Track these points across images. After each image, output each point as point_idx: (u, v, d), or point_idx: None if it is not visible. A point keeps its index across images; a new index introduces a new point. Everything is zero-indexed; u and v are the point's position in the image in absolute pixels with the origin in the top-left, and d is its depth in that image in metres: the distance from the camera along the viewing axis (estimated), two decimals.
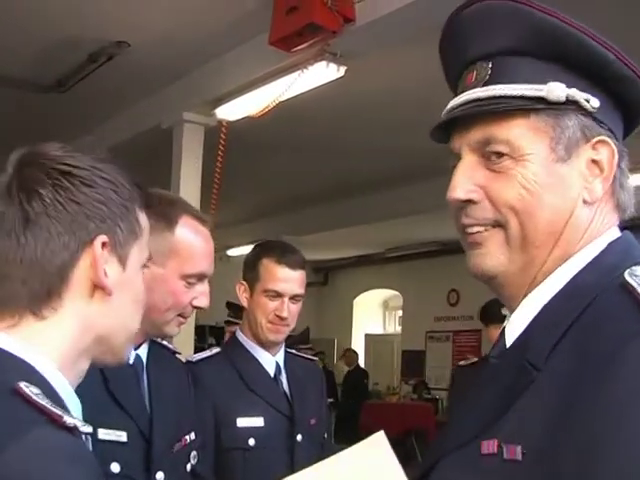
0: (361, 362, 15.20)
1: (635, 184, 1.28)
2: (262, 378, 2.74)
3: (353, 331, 16.50)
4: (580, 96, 1.17)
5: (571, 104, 1.18)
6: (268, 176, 9.96)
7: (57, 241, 1.14)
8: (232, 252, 12.49)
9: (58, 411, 1.01)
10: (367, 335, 16.51)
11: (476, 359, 4.27)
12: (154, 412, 1.98)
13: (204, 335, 12.62)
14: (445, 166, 1.33)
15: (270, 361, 2.78)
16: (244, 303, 2.78)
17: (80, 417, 1.13)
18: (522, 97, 1.18)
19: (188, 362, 2.67)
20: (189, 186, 6.69)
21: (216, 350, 2.82)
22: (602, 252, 1.18)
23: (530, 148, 1.18)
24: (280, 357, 2.81)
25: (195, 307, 2.05)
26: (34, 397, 1.01)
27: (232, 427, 2.57)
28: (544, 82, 1.18)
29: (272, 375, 2.77)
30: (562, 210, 1.18)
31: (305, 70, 5.39)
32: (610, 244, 1.19)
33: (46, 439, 0.98)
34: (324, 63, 5.32)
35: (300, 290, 2.78)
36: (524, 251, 1.19)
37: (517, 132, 1.19)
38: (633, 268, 1.10)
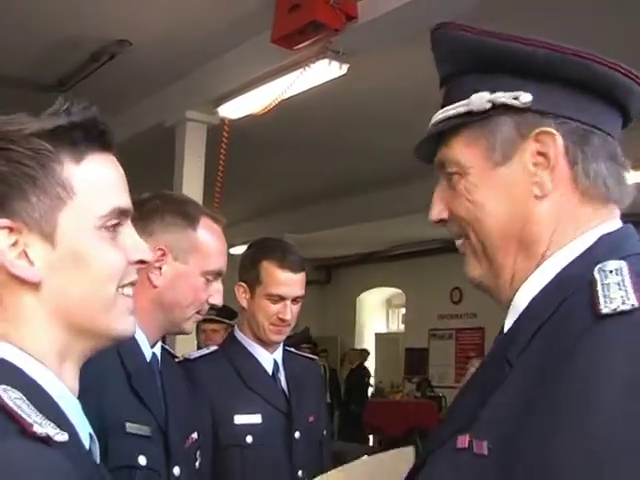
0: (372, 361, 15.24)
1: (636, 181, 1.26)
2: (260, 376, 2.74)
3: (356, 329, 16.50)
4: (506, 97, 1.19)
5: (500, 107, 1.20)
6: (270, 174, 9.95)
7: None
8: (234, 250, 12.49)
9: (29, 419, 0.89)
10: (377, 334, 16.53)
11: None
12: (169, 408, 2.04)
13: None
14: None
15: (268, 359, 2.78)
16: (243, 304, 2.78)
17: (82, 417, 1.04)
18: (451, 117, 1.24)
19: (186, 360, 2.68)
20: (192, 184, 6.68)
21: (214, 348, 2.82)
22: (592, 245, 1.16)
23: (469, 162, 1.23)
24: (278, 355, 2.82)
25: (210, 304, 2.10)
26: (9, 402, 0.90)
27: (230, 424, 2.57)
28: (468, 95, 1.22)
29: (270, 373, 2.77)
30: (513, 212, 1.20)
31: (307, 68, 5.39)
32: (601, 237, 1.17)
33: (12, 453, 0.87)
34: (326, 61, 5.32)
35: (302, 292, 2.79)
36: (489, 257, 1.24)
37: (457, 150, 1.24)
38: (605, 262, 1.09)
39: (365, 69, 5.86)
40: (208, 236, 2.06)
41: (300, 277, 2.78)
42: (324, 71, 5.46)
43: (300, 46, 5.13)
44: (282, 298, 2.72)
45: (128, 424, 1.87)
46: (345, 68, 5.42)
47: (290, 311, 2.73)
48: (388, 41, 5.29)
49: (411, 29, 5.03)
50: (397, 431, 10.67)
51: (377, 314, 16.88)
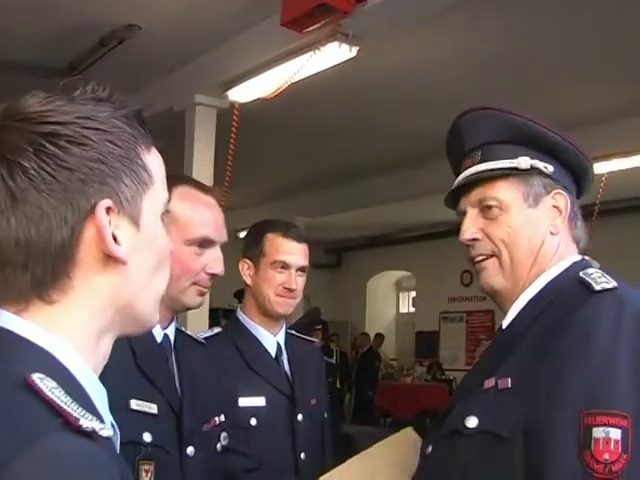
0: (391, 344, 15.24)
1: (597, 172, 1.94)
2: (263, 358, 2.74)
3: (367, 313, 16.52)
4: (540, 164, 1.77)
5: (534, 170, 1.77)
6: (280, 158, 9.96)
7: (52, 216, 0.97)
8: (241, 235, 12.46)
9: (74, 413, 0.86)
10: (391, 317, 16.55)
11: None
12: (184, 390, 2.06)
13: (217, 318, 12.65)
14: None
15: (271, 341, 2.78)
16: (248, 281, 2.78)
17: (106, 407, 1.03)
18: (502, 168, 1.77)
19: None
20: (202, 169, 6.69)
21: (217, 330, 2.82)
22: (568, 267, 1.74)
23: (510, 200, 1.76)
24: (281, 337, 2.82)
25: (210, 274, 2.07)
26: (48, 393, 0.87)
27: (234, 407, 2.56)
28: (515, 157, 1.77)
29: (273, 355, 2.77)
30: (536, 240, 1.76)
31: (317, 51, 5.39)
32: (573, 264, 1.75)
33: (60, 449, 0.84)
34: (336, 44, 5.33)
35: (305, 262, 2.79)
36: (513, 270, 1.76)
37: (501, 190, 1.77)
38: (585, 270, 1.68)
39: (375, 52, 5.85)
40: (184, 205, 2.02)
41: (303, 247, 2.79)
42: (334, 54, 5.47)
43: (309, 29, 5.12)
44: (286, 266, 2.73)
45: (133, 401, 1.89)
46: (355, 51, 5.41)
47: (295, 281, 2.74)
48: (397, 23, 5.30)
49: (419, 11, 5.03)
50: (408, 414, 10.70)
51: (388, 297, 16.90)
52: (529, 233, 1.75)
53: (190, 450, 2.00)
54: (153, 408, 1.94)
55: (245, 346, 2.73)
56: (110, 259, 1.01)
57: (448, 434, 1.67)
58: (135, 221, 1.04)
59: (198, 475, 2.02)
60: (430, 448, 1.74)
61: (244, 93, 6.45)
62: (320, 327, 8.90)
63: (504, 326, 1.76)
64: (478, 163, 1.80)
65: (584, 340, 1.49)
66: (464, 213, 1.82)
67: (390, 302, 17.02)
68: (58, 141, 0.98)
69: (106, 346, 1.06)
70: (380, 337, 14.81)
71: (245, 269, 2.79)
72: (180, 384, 2.07)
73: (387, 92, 7.30)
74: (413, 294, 16.29)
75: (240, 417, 2.56)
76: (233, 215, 5.03)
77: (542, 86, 7.01)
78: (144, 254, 1.06)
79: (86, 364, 1.00)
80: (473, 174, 1.80)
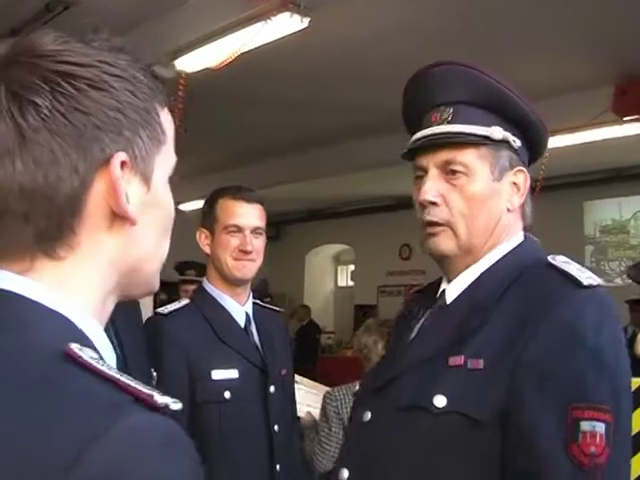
0: (330, 317, 15.37)
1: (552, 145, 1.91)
2: (233, 329, 2.73)
3: (305, 286, 16.54)
4: (510, 137, 1.72)
5: (504, 142, 1.72)
6: (226, 129, 9.87)
7: (63, 163, 0.89)
8: (184, 207, 12.38)
9: (145, 389, 0.80)
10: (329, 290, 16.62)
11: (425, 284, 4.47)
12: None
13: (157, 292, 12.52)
14: (399, 124, 1.88)
15: (239, 311, 2.76)
16: (206, 250, 2.77)
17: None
18: (474, 134, 1.70)
19: (158, 314, 2.65)
20: None
21: (185, 302, 2.79)
22: (519, 244, 1.74)
23: (478, 169, 1.70)
24: (249, 307, 2.80)
25: None
26: (102, 367, 0.81)
27: (208, 380, 2.56)
28: (489, 125, 1.71)
29: (242, 325, 2.75)
30: (494, 215, 1.72)
31: (268, 21, 5.33)
32: (524, 242, 1.75)
33: (145, 427, 0.77)
34: (287, 14, 5.28)
35: (260, 223, 2.78)
36: (468, 242, 1.70)
37: (470, 157, 1.70)
38: (554, 256, 1.65)
39: (327, 23, 5.82)
40: None
41: (256, 207, 2.78)
42: (285, 25, 5.42)
43: None
44: (240, 229, 2.72)
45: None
46: (306, 22, 5.37)
47: (250, 242, 2.72)
48: None
49: None
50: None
51: (326, 271, 16.94)
52: (490, 207, 1.71)
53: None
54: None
55: (214, 317, 2.70)
56: (117, 218, 0.93)
57: (406, 408, 1.62)
58: (146, 180, 0.96)
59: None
60: (369, 415, 1.69)
61: (192, 63, 6.35)
62: (269, 299, 8.90)
63: (451, 297, 1.73)
64: (448, 122, 1.72)
65: (571, 337, 1.49)
66: (424, 170, 1.74)
67: (329, 275, 17.05)
68: (77, 82, 0.90)
69: (109, 309, 0.99)
70: (306, 308, 14.77)
71: (203, 239, 2.77)
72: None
73: (338, 64, 7.27)
74: (352, 268, 16.35)
75: (214, 390, 2.55)
76: (171, 187, 4.95)
77: (496, 59, 7.00)
78: (152, 216, 0.98)
79: (101, 329, 0.94)
80: (445, 133, 1.71)
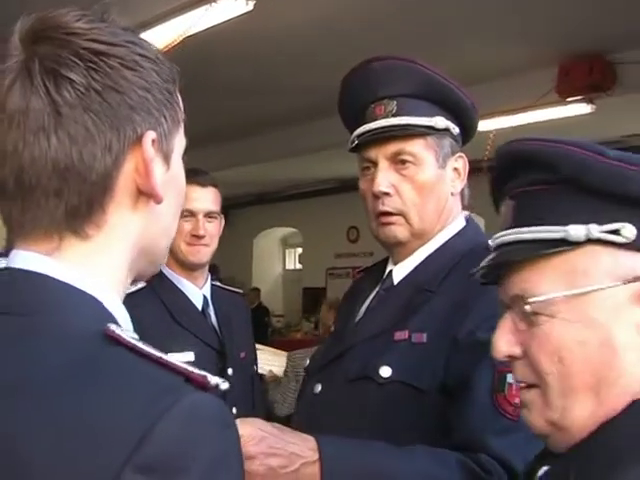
0: (278, 300, 15.42)
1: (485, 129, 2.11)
2: (190, 311, 2.73)
3: (253, 269, 16.50)
4: (451, 126, 1.85)
5: (446, 131, 1.84)
6: None
7: (98, 141, 0.89)
8: None
9: (196, 370, 0.83)
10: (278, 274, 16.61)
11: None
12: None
13: None
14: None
15: (197, 294, 2.76)
16: None
17: None
18: (420, 125, 1.81)
19: None
20: None
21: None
22: (463, 228, 1.87)
23: (426, 158, 1.82)
24: (207, 290, 2.80)
25: None
26: (147, 348, 0.83)
27: None
28: (432, 116, 1.82)
29: (200, 308, 2.76)
30: (442, 199, 1.84)
31: (213, 4, 5.28)
32: (466, 226, 1.88)
33: (202, 408, 0.80)
34: None
35: (214, 207, 2.78)
36: (420, 228, 1.82)
37: (418, 147, 1.82)
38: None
39: (271, 6, 5.79)
40: None
41: (209, 191, 2.77)
42: (230, 8, 5.38)
43: None
44: (192, 213, 2.71)
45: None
46: (251, 5, 5.33)
47: (203, 227, 2.71)
48: None
49: None
50: None
51: (274, 254, 16.92)
52: (437, 193, 1.84)
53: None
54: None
55: (171, 300, 2.71)
56: (142, 196, 0.95)
57: (354, 379, 1.75)
58: (167, 159, 0.98)
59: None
60: (319, 387, 1.82)
61: None
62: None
63: (398, 278, 1.86)
64: (393, 115, 1.82)
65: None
66: (372, 162, 1.85)
67: (276, 259, 17.04)
68: (110, 61, 0.91)
69: (127, 285, 1.01)
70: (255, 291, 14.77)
71: None
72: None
73: (283, 48, 7.25)
74: (299, 250, 16.36)
75: None
76: None
77: (442, 42, 7.01)
78: (170, 195, 1.00)
79: (123, 307, 0.97)
80: (393, 126, 1.82)
